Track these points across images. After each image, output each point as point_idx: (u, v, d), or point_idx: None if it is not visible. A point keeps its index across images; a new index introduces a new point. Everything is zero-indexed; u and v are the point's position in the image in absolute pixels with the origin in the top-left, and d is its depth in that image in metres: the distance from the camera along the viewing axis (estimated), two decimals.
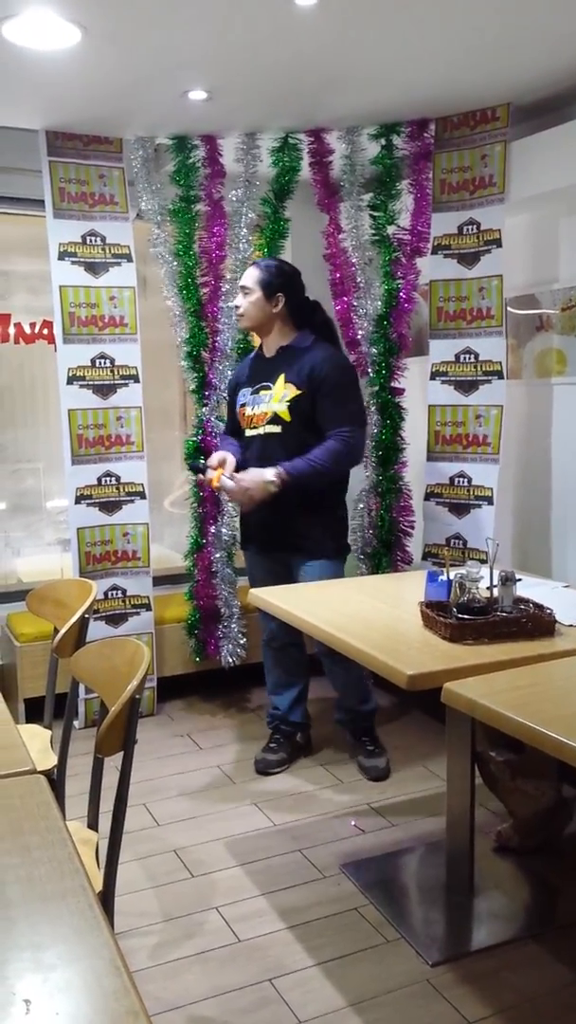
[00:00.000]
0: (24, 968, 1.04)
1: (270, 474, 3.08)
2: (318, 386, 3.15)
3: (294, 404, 3.16)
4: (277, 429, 3.21)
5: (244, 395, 3.34)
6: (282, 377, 3.21)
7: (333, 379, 3.17)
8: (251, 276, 3.27)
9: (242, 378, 3.40)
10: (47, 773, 2.20)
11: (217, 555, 3.88)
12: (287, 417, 3.18)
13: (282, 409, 3.19)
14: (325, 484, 3.19)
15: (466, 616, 2.28)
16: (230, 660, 3.90)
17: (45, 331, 4.30)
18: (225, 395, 3.81)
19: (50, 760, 2.29)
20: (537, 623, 2.28)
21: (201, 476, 3.36)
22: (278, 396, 3.20)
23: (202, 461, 3.42)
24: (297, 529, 3.21)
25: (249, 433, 3.30)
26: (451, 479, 3.67)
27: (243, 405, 3.34)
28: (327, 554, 3.25)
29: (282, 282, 3.24)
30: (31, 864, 1.25)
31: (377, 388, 3.76)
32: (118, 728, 1.70)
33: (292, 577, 3.27)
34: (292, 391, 3.17)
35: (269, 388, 3.24)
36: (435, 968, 2.27)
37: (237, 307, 3.32)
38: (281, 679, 3.48)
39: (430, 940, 2.39)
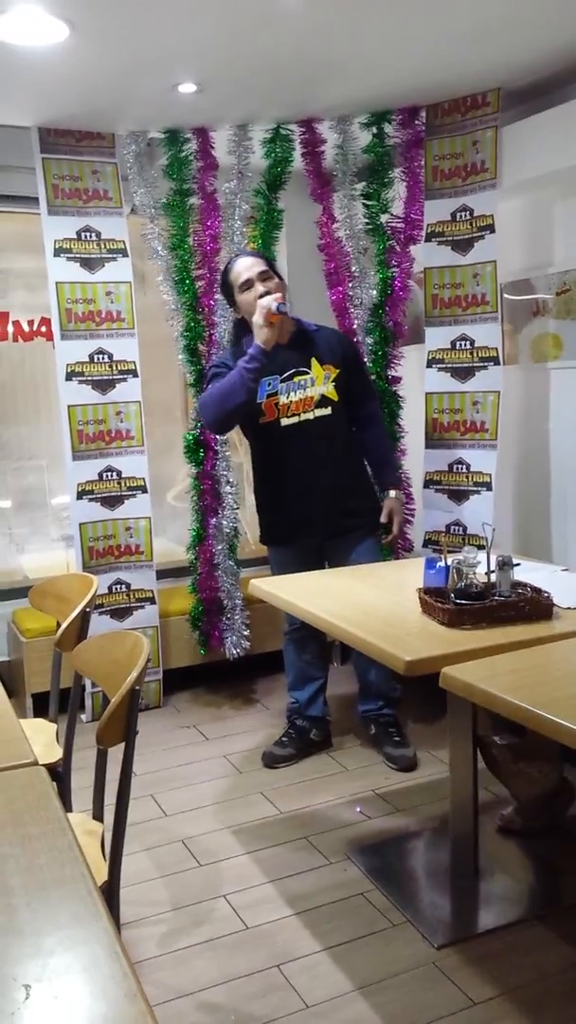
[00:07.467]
0: (24, 954, 1.06)
1: (398, 498, 3.39)
2: (351, 362, 3.28)
3: (338, 383, 3.20)
4: (328, 411, 3.19)
5: (272, 384, 3.14)
6: (314, 360, 3.18)
7: (357, 354, 3.42)
8: (261, 262, 3.12)
9: None
10: (53, 766, 2.22)
11: (219, 547, 3.89)
12: (335, 397, 3.19)
13: (330, 390, 3.18)
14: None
15: (464, 601, 2.29)
16: (234, 652, 3.92)
17: (43, 328, 4.31)
18: None
19: (55, 754, 2.31)
20: (535, 607, 2.29)
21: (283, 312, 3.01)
22: (321, 378, 3.18)
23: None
24: (358, 507, 3.33)
25: (287, 422, 3.15)
26: (450, 466, 3.67)
27: (272, 395, 3.15)
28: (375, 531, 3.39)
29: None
30: (31, 853, 1.27)
31: (374, 377, 3.76)
32: (118, 719, 1.72)
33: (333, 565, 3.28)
34: (332, 371, 3.19)
35: (306, 372, 3.16)
36: (441, 951, 2.29)
37: (279, 296, 3.00)
38: (302, 673, 3.47)
39: (436, 923, 2.41)
